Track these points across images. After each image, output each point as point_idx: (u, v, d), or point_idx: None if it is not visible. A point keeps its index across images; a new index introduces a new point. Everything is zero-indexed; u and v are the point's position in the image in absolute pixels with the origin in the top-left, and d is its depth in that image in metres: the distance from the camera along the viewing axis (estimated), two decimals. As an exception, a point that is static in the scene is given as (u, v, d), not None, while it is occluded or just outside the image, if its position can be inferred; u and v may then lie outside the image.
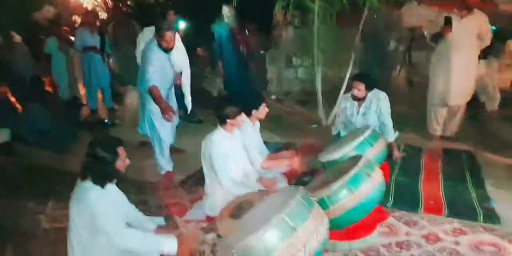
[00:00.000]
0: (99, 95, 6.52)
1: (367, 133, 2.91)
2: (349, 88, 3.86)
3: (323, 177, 2.62)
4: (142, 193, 3.46)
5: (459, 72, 3.96)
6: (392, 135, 3.63)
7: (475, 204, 2.94)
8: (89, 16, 6.28)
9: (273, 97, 6.84)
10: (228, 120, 2.81)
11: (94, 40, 6.20)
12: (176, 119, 3.87)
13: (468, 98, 4.15)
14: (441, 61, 4.05)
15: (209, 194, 2.92)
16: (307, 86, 6.99)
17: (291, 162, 3.25)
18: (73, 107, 5.85)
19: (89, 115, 6.29)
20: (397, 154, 3.80)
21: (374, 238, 2.51)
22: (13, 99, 5.01)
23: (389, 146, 3.56)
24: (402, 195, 3.12)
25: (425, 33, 5.71)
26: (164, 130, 3.67)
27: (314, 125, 5.20)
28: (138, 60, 3.84)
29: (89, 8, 8.35)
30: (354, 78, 3.61)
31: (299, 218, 1.71)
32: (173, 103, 3.89)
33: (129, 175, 3.77)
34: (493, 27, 5.10)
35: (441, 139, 4.34)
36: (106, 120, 5.51)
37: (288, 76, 7.55)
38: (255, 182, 2.98)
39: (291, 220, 1.67)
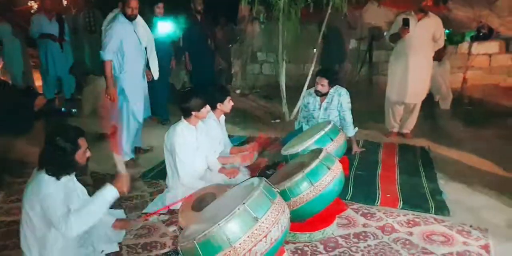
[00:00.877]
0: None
1: (328, 127, 2.98)
2: (312, 84, 3.94)
3: (284, 170, 2.66)
4: (101, 186, 3.36)
5: (415, 71, 4.13)
6: (351, 130, 3.76)
7: (428, 197, 3.08)
8: (47, 2, 5.99)
9: (238, 91, 6.85)
10: (193, 113, 2.79)
11: (52, 27, 5.93)
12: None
13: (424, 96, 4.33)
14: (398, 60, 4.20)
15: (170, 187, 2.89)
16: (271, 82, 7.05)
17: (244, 159, 3.26)
18: (27, 96, 5.56)
19: (44, 104, 6.03)
20: (356, 148, 3.94)
21: (333, 230, 2.58)
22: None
23: (349, 141, 3.67)
24: (361, 188, 3.22)
25: (384, 33, 5.92)
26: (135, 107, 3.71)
27: (278, 120, 5.26)
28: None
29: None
30: (318, 74, 3.69)
31: (261, 208, 1.72)
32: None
33: (91, 166, 3.67)
34: (447, 31, 5.38)
35: (398, 135, 4.52)
36: (63, 109, 5.25)
37: (253, 71, 7.59)
38: (216, 176, 2.98)
39: (253, 210, 1.68)
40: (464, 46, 6.50)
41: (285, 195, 2.20)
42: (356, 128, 3.86)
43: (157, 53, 4.01)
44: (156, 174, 3.57)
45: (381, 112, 4.62)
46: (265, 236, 1.69)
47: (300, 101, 4.81)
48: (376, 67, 7.25)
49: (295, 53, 5.64)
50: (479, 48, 6.31)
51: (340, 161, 2.59)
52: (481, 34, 5.93)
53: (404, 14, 4.13)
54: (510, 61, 6.98)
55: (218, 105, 3.21)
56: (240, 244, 1.64)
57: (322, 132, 2.93)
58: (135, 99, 3.72)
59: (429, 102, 5.30)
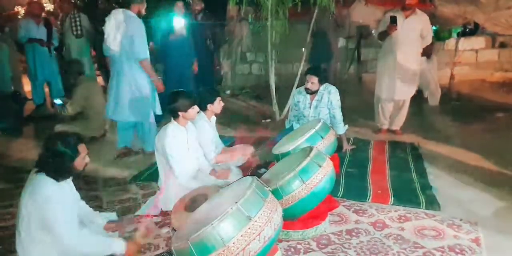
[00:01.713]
0: (47, 89, 6.21)
1: (318, 126, 3.00)
2: (301, 83, 3.96)
3: (276, 168, 2.68)
4: (94, 189, 3.36)
5: (404, 68, 4.17)
6: (342, 128, 3.79)
7: (418, 192, 3.12)
8: (34, 7, 5.93)
9: (228, 92, 6.85)
10: (180, 113, 2.79)
11: (39, 32, 5.88)
12: None
13: (413, 93, 4.38)
14: (387, 57, 4.24)
15: (162, 189, 2.89)
16: (261, 81, 7.07)
17: (245, 152, 3.29)
18: (14, 102, 5.51)
19: (34, 110, 5.98)
20: (346, 146, 3.97)
21: (325, 227, 2.60)
22: None
23: (339, 139, 3.70)
24: (352, 185, 3.25)
25: (372, 31, 5.97)
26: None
27: (268, 120, 5.27)
28: (115, 47, 3.67)
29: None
30: (308, 72, 3.71)
31: (254, 207, 1.73)
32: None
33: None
34: (434, 27, 5.44)
35: (387, 132, 4.56)
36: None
37: (242, 71, 7.59)
38: (209, 176, 2.99)
39: (246, 209, 1.69)
40: (451, 42, 6.60)
41: (277, 194, 2.22)
42: (346, 126, 3.89)
43: (179, 53, 4.32)
44: (148, 176, 3.56)
45: (370, 109, 4.66)
46: (258, 235, 1.70)
47: (290, 100, 4.83)
48: (364, 65, 7.31)
49: (284, 53, 5.66)
50: (465, 44, 6.41)
51: (330, 158, 2.61)
52: (467, 30, 6.02)
53: (391, 11, 4.18)
54: (496, 56, 7.09)
55: (208, 106, 3.22)
56: (233, 243, 1.65)
57: (313, 131, 2.95)
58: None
59: (418, 99, 5.36)
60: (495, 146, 3.99)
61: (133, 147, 4.17)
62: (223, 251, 1.64)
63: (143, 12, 3.79)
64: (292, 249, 2.42)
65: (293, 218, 2.42)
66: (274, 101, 5.23)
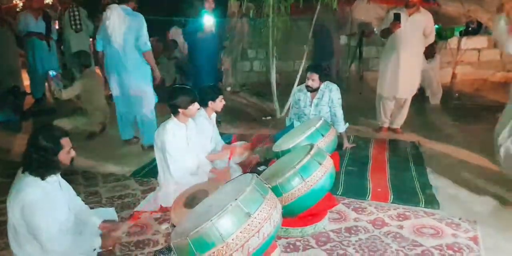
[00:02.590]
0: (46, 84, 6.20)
1: (319, 124, 2.99)
2: (302, 81, 3.95)
3: (276, 166, 2.67)
4: (93, 185, 3.36)
5: (406, 66, 4.15)
6: (342, 126, 3.78)
7: (418, 190, 3.12)
8: (33, 0, 5.91)
9: (229, 89, 6.83)
10: (180, 110, 2.78)
11: (38, 26, 5.86)
12: None
13: (414, 91, 4.37)
14: (389, 55, 4.22)
15: (162, 185, 2.88)
16: (262, 79, 7.05)
17: (234, 150, 3.29)
18: (13, 96, 5.50)
19: (33, 104, 5.97)
20: (347, 144, 3.97)
21: (324, 224, 2.60)
22: None
23: (340, 137, 3.70)
24: (351, 183, 3.25)
25: (375, 29, 5.95)
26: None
27: (269, 117, 5.27)
28: (120, 41, 3.83)
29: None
30: (308, 69, 3.70)
31: (253, 204, 1.73)
32: None
33: (79, 166, 3.66)
34: (436, 26, 5.42)
35: (388, 131, 4.56)
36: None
37: (243, 68, 7.57)
38: (208, 173, 2.98)
39: (246, 206, 1.69)
40: (453, 41, 6.56)
41: (277, 191, 2.21)
42: (347, 124, 3.89)
43: (205, 48, 4.58)
44: (147, 172, 3.56)
45: (371, 108, 4.65)
46: (258, 232, 1.70)
47: (291, 97, 4.82)
48: (366, 63, 7.28)
49: (286, 50, 5.64)
50: (468, 43, 6.38)
51: (331, 156, 2.60)
52: (470, 29, 5.99)
53: (395, 9, 4.15)
54: (498, 56, 7.06)
55: (210, 103, 3.21)
56: (232, 239, 1.65)
57: (313, 128, 2.94)
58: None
59: (419, 97, 5.35)
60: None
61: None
62: (222, 247, 1.64)
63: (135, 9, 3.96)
64: (291, 246, 2.42)
65: (292, 215, 2.42)
66: (275, 98, 5.22)
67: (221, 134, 3.63)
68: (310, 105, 3.76)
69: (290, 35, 5.22)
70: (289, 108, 4.71)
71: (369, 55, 7.25)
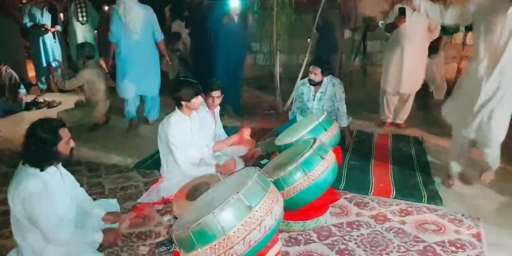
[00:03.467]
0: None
1: (322, 118, 2.98)
2: (306, 75, 3.93)
3: (278, 159, 2.67)
4: (96, 176, 3.37)
5: (411, 61, 4.12)
6: (345, 121, 3.77)
7: (421, 186, 3.11)
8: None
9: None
10: (183, 102, 2.77)
11: (44, 17, 5.85)
12: None
13: (418, 86, 4.33)
14: (394, 50, 4.18)
15: (165, 177, 2.89)
16: (265, 72, 7.02)
17: (239, 135, 3.29)
18: (19, 87, 5.51)
19: (38, 95, 5.98)
20: (349, 139, 3.95)
21: (326, 219, 2.60)
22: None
23: (343, 131, 3.68)
24: (354, 178, 3.25)
25: (379, 23, 5.89)
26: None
27: (272, 111, 5.25)
28: (138, 31, 4.22)
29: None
30: (311, 63, 3.69)
31: (255, 197, 1.73)
32: None
33: (83, 157, 3.67)
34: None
35: (391, 126, 4.54)
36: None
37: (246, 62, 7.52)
38: (212, 166, 2.98)
39: (247, 199, 1.69)
40: (458, 36, 6.50)
41: (279, 185, 2.22)
42: (350, 118, 3.88)
43: (232, 44, 4.60)
44: (150, 164, 3.57)
45: (375, 102, 4.62)
46: (259, 225, 1.70)
47: (294, 91, 4.80)
48: (370, 57, 7.24)
49: (290, 43, 5.60)
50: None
51: (333, 151, 2.60)
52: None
53: (400, 3, 4.11)
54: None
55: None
56: (234, 232, 1.65)
57: (316, 122, 2.93)
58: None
59: (423, 92, 5.31)
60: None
61: (140, 118, 4.70)
62: (224, 240, 1.64)
63: None
64: (293, 240, 2.42)
65: (294, 209, 2.43)
66: (278, 92, 5.20)
67: (224, 127, 3.62)
68: (313, 99, 3.75)
69: (294, 29, 5.17)
70: (292, 102, 4.69)
71: (373, 50, 7.21)
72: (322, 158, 2.35)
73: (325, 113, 3.11)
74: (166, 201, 2.82)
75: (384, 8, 6.15)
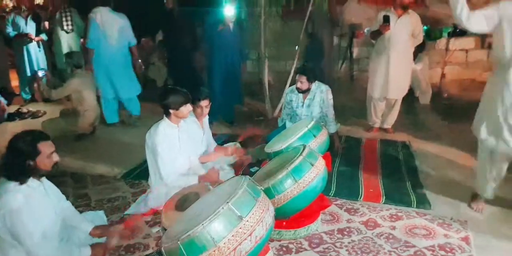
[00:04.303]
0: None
1: (311, 124, 2.99)
2: (294, 82, 3.93)
3: (268, 167, 2.65)
4: (82, 187, 3.31)
5: (397, 67, 4.17)
6: (334, 127, 3.79)
7: (409, 191, 3.13)
8: (23, 0, 5.84)
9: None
10: (171, 111, 2.74)
11: (28, 26, 5.78)
12: None
13: (405, 92, 4.38)
14: (380, 57, 4.23)
15: (153, 187, 2.85)
16: (254, 79, 7.02)
17: (225, 151, 3.27)
18: (2, 97, 5.41)
19: (22, 105, 5.88)
20: (338, 144, 3.97)
21: (317, 226, 2.59)
22: None
23: (331, 137, 3.69)
24: (344, 184, 3.26)
25: (365, 30, 5.96)
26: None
27: (261, 117, 5.25)
28: (115, 37, 4.56)
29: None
30: (297, 71, 3.72)
31: (246, 207, 1.71)
32: None
33: (68, 168, 3.61)
34: (425, 27, 5.44)
35: (379, 131, 4.57)
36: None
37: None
38: (201, 172, 2.94)
39: (238, 209, 1.67)
40: (442, 42, 6.61)
41: (269, 193, 2.20)
42: (338, 124, 3.90)
43: (226, 52, 4.68)
44: (138, 174, 3.52)
45: (362, 108, 4.66)
46: (250, 235, 1.68)
47: (283, 98, 4.81)
48: (357, 64, 7.31)
49: (278, 50, 5.62)
50: (456, 44, 6.42)
51: (323, 157, 2.59)
52: (458, 30, 6.03)
53: (384, 11, 4.17)
54: (485, 57, 7.13)
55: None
56: (224, 243, 1.62)
57: (305, 129, 2.93)
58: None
59: (410, 97, 5.37)
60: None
61: (125, 119, 5.04)
62: (214, 251, 1.61)
63: None
64: (284, 249, 2.41)
65: (285, 217, 2.41)
66: (267, 99, 5.20)
67: (214, 135, 3.60)
68: (302, 106, 3.76)
69: (282, 36, 5.20)
70: (281, 109, 4.70)
71: (360, 56, 7.27)
72: (312, 165, 2.34)
73: (314, 119, 3.11)
74: (154, 212, 2.77)
75: (369, 15, 6.23)
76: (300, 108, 3.77)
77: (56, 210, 2.13)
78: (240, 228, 1.66)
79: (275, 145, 2.98)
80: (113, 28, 4.52)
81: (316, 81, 3.72)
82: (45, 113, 5.51)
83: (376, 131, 4.57)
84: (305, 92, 3.70)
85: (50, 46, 6.47)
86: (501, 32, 2.51)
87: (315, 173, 2.33)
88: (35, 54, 5.98)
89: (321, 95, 3.70)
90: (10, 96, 5.77)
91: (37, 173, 1.98)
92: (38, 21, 5.93)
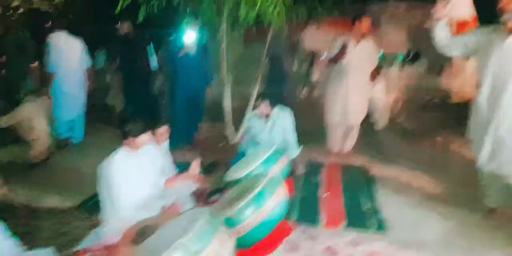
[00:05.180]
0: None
1: (272, 150, 2.99)
2: (256, 106, 3.95)
3: (229, 196, 2.61)
4: (33, 221, 3.10)
5: (355, 93, 4.29)
6: (295, 151, 3.80)
7: (369, 215, 3.17)
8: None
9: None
10: (130, 138, 2.66)
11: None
12: None
13: (363, 117, 4.50)
14: (337, 83, 4.33)
15: (107, 220, 2.70)
16: (215, 103, 7.00)
17: (191, 172, 3.20)
18: None
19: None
20: (300, 169, 3.98)
21: (279, 255, 2.54)
22: None
23: (293, 162, 3.71)
24: (305, 209, 3.25)
25: (324, 55, 6.15)
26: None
27: (223, 143, 5.20)
28: (75, 60, 4.80)
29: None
30: (258, 97, 3.74)
31: (202, 242, 1.66)
32: None
33: (17, 200, 3.38)
34: (380, 55, 5.69)
35: (339, 155, 4.64)
36: None
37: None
38: (160, 205, 2.83)
39: (194, 244, 1.61)
40: (396, 67, 6.94)
41: (230, 223, 2.15)
42: (300, 149, 3.92)
43: (190, 75, 4.73)
44: (93, 205, 3.31)
45: (323, 132, 4.73)
46: (207, 270, 1.62)
47: (245, 123, 4.81)
48: (317, 88, 7.48)
49: (240, 74, 5.66)
50: (409, 69, 6.76)
51: (285, 182, 2.58)
52: (411, 55, 6.37)
53: (343, 36, 4.27)
54: (436, 81, 7.53)
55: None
56: (181, 280, 1.55)
57: (266, 155, 2.93)
58: None
59: (368, 121, 5.53)
60: (438, 162, 4.27)
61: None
62: (170, 289, 1.54)
63: None
64: (245, 280, 2.33)
65: (246, 246, 2.35)
66: (230, 124, 5.18)
67: (174, 162, 3.51)
68: (264, 131, 3.77)
69: (244, 59, 5.26)
70: (243, 134, 4.69)
71: (321, 80, 7.46)
72: (273, 192, 2.33)
73: (275, 145, 3.12)
74: (110, 247, 2.62)
75: (328, 40, 6.44)
76: (262, 133, 3.77)
77: None
78: (198, 263, 1.59)
79: (236, 172, 2.94)
80: (69, 51, 4.75)
81: (278, 105, 3.75)
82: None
83: (336, 155, 4.63)
84: (267, 116, 3.72)
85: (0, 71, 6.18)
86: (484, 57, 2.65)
87: (276, 200, 2.31)
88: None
89: (283, 119, 3.73)
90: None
91: None
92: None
